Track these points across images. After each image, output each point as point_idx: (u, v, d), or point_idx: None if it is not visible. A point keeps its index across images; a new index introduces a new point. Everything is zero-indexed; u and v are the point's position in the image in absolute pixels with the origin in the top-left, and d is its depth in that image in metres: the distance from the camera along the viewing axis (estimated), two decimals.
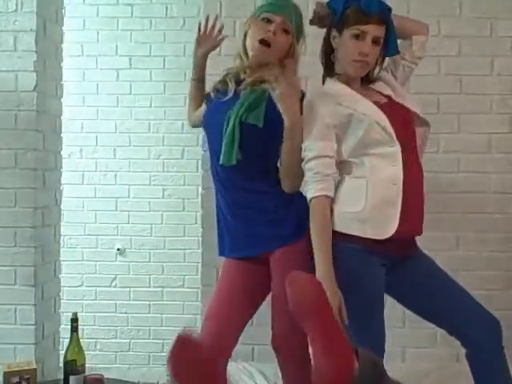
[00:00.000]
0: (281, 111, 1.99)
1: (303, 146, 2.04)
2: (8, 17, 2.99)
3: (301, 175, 2.06)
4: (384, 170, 1.98)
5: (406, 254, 2.09)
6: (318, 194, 1.99)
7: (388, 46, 2.09)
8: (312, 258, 1.98)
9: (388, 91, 2.12)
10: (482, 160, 3.14)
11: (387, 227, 1.97)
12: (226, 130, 2.07)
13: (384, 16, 2.02)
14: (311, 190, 2.01)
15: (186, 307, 4.27)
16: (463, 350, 2.07)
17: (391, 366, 2.04)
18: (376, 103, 2.04)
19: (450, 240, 3.13)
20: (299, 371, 2.12)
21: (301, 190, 2.11)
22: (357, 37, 2.00)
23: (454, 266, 3.12)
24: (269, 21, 2.09)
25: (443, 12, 3.14)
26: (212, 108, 2.24)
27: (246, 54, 2.14)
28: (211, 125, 2.20)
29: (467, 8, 3.13)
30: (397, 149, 1.98)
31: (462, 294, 2.09)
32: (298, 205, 2.08)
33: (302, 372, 2.07)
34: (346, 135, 2.01)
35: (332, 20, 2.08)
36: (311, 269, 1.96)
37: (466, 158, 3.13)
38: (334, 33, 2.07)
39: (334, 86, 2.09)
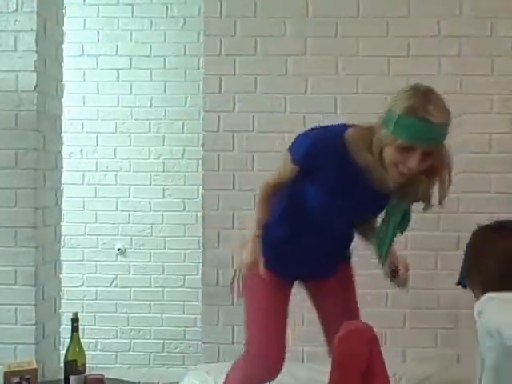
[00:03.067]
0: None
1: None
2: (8, 17, 2.98)
3: None
4: None
5: None
6: None
7: None
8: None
9: None
10: (483, 160, 3.14)
11: None
12: (385, 231, 2.05)
13: None
14: None
15: (186, 307, 4.27)
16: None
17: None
18: None
19: (451, 240, 3.13)
20: None
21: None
22: None
23: (455, 266, 3.11)
24: (411, 149, 1.79)
25: (443, 12, 3.14)
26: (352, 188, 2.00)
27: (382, 160, 1.87)
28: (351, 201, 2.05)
29: (467, 8, 3.13)
30: None
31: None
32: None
33: None
34: None
35: None
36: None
37: (466, 158, 3.13)
38: None
39: None
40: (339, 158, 1.92)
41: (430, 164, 1.84)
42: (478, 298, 1.60)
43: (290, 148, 2.01)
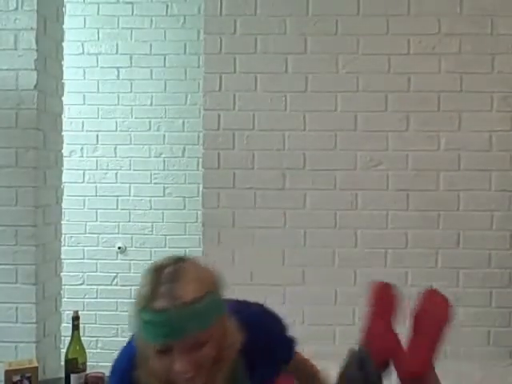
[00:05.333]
0: None
1: None
2: (8, 15, 2.98)
3: None
4: None
5: None
6: None
7: None
8: None
9: None
10: (483, 158, 3.14)
11: None
12: None
13: None
14: None
15: None
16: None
17: None
18: None
19: (451, 238, 3.13)
20: None
21: None
22: None
23: (455, 264, 3.13)
24: (167, 350, 1.32)
25: (443, 10, 3.14)
26: None
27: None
28: None
29: (468, 6, 3.12)
30: None
31: None
32: None
33: None
34: None
35: None
36: None
37: (466, 156, 3.13)
38: None
39: None
40: None
41: (210, 352, 1.34)
42: None
43: None
